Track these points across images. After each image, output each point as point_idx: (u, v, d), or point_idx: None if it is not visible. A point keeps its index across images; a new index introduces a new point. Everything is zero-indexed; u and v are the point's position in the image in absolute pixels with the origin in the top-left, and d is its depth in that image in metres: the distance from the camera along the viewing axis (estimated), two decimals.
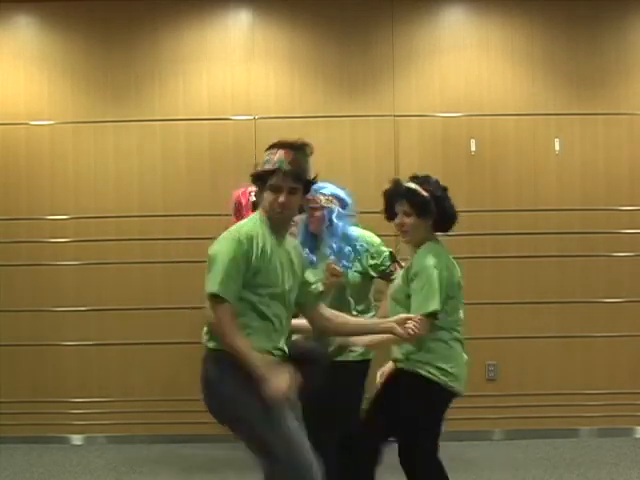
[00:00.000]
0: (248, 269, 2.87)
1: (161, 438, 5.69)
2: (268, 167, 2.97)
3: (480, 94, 5.89)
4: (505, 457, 5.32)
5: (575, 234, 5.81)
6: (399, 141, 5.87)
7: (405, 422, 3.39)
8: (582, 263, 5.81)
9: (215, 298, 2.84)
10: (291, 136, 5.91)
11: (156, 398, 5.75)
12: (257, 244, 2.89)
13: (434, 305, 3.27)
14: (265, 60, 5.92)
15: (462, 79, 5.89)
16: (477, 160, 5.84)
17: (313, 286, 3.18)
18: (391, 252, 3.93)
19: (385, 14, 5.90)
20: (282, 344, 3.00)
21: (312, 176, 3.08)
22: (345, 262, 3.84)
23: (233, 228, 2.99)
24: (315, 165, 5.73)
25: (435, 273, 3.32)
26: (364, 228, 4.06)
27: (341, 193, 4.00)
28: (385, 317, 3.46)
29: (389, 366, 3.63)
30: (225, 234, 2.96)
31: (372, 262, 3.91)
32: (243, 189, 4.93)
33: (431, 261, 3.35)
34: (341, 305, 3.76)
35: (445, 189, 3.50)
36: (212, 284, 2.85)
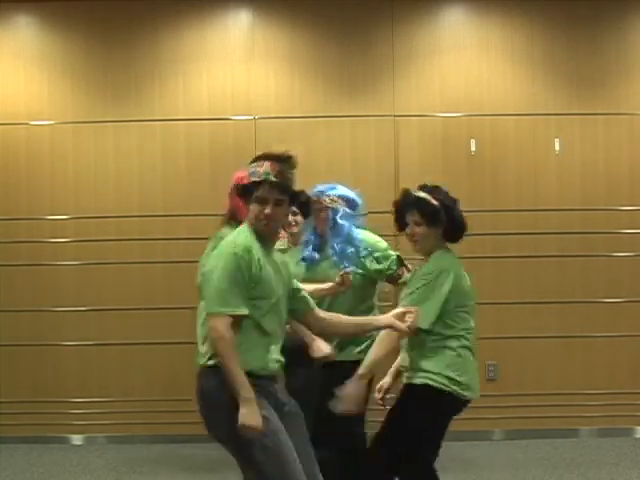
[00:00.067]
0: (250, 281, 2.86)
1: (161, 438, 5.70)
2: (254, 179, 2.97)
3: (480, 94, 5.89)
4: (505, 457, 5.32)
5: (575, 234, 5.81)
6: (399, 141, 5.87)
7: (411, 432, 3.36)
8: (582, 263, 5.81)
9: (216, 316, 2.83)
10: (291, 136, 5.96)
11: (156, 398, 5.75)
12: (254, 255, 2.89)
13: (426, 321, 3.27)
14: (265, 60, 5.92)
15: (462, 79, 5.89)
16: (477, 160, 5.84)
17: (303, 292, 3.19)
18: (398, 256, 3.91)
19: (385, 14, 5.90)
20: (278, 354, 3.00)
21: (297, 188, 3.09)
22: (347, 263, 3.84)
23: (226, 242, 2.97)
24: (315, 165, 5.79)
25: (438, 288, 3.32)
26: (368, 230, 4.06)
27: (350, 195, 4.00)
28: None
29: (387, 381, 3.62)
30: (219, 249, 2.95)
31: (377, 267, 3.90)
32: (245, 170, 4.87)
33: (439, 275, 3.34)
34: (341, 306, 3.76)
35: (455, 199, 3.50)
36: (212, 304, 2.85)
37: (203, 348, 2.97)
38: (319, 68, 5.91)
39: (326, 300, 3.85)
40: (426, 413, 3.34)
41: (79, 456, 5.46)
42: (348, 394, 3.31)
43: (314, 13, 5.92)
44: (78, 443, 5.81)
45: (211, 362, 2.90)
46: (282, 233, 3.82)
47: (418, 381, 3.35)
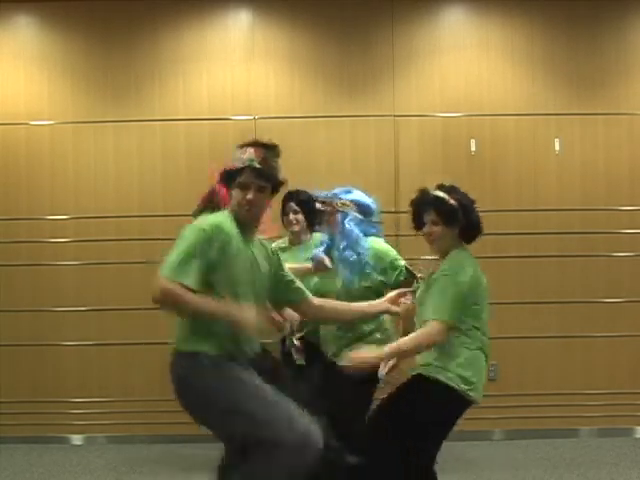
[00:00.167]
0: (210, 256, 2.85)
1: (161, 438, 5.69)
2: (237, 165, 2.99)
3: (480, 94, 5.89)
4: (505, 457, 5.32)
5: (575, 234, 5.81)
6: (399, 141, 5.87)
7: (417, 428, 3.36)
8: (582, 263, 5.81)
9: (166, 279, 2.83)
10: (291, 136, 5.96)
11: (156, 398, 5.75)
12: (221, 236, 2.88)
13: (450, 315, 3.28)
14: (265, 60, 5.92)
15: (462, 79, 5.89)
16: (477, 160, 5.84)
17: (297, 283, 3.19)
18: (406, 267, 3.86)
19: (385, 14, 5.90)
20: (250, 345, 2.97)
21: (281, 177, 3.08)
22: (348, 273, 3.82)
23: (201, 218, 3.02)
24: (315, 165, 5.79)
25: (457, 286, 3.32)
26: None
27: (365, 200, 4.00)
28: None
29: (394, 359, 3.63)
30: (192, 224, 2.98)
31: (382, 278, 3.86)
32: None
33: (458, 274, 3.35)
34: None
35: (472, 200, 3.51)
36: (166, 268, 2.85)
37: (179, 333, 2.97)
38: (319, 68, 5.91)
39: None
40: (434, 408, 3.34)
41: (79, 456, 5.46)
42: (362, 355, 3.30)
43: (314, 13, 5.92)
44: (78, 443, 5.81)
45: (186, 347, 2.90)
46: (263, 224, 3.81)
47: (430, 374, 3.35)
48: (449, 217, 3.42)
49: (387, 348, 3.33)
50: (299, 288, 3.21)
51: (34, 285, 5.85)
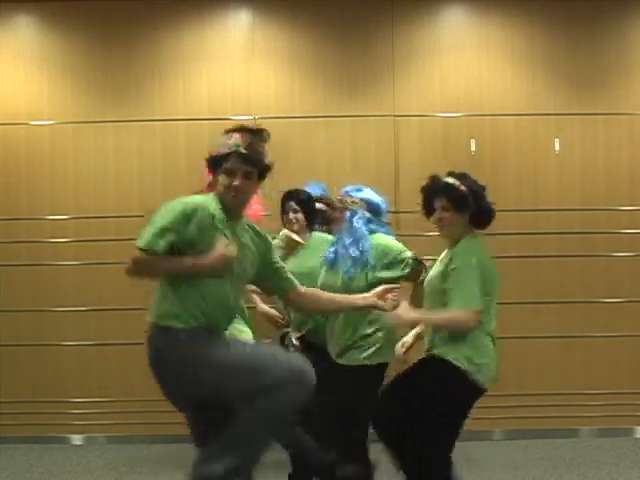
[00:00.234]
0: (184, 232, 2.86)
1: (161, 438, 5.69)
2: (223, 150, 2.96)
3: (480, 94, 5.89)
4: (505, 457, 5.32)
5: (575, 234, 5.81)
6: (399, 141, 5.87)
7: (423, 409, 3.38)
8: (582, 263, 5.80)
9: (137, 251, 2.88)
10: (291, 136, 5.96)
11: (156, 398, 5.66)
12: (200, 215, 2.88)
13: (477, 303, 3.30)
14: (265, 60, 5.92)
15: (462, 79, 5.89)
16: (477, 160, 5.83)
17: (287, 272, 3.19)
18: (415, 257, 3.84)
19: (385, 14, 5.90)
20: (221, 324, 2.97)
21: (268, 162, 3.06)
22: (349, 268, 3.83)
23: (186, 196, 3.01)
24: (315, 165, 5.78)
25: (476, 270, 3.34)
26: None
27: (375, 199, 4.00)
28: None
29: (409, 340, 3.67)
30: (176, 199, 2.98)
31: (388, 274, 3.80)
32: None
33: (473, 258, 3.36)
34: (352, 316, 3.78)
35: (483, 186, 3.52)
36: (140, 239, 2.89)
37: (157, 308, 2.95)
38: (319, 68, 5.91)
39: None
40: (440, 387, 3.36)
41: (79, 456, 5.46)
42: (402, 314, 3.32)
43: (314, 13, 5.92)
44: (78, 443, 5.81)
45: (165, 322, 2.88)
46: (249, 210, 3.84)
47: (437, 354, 3.39)
48: (460, 203, 3.43)
49: (420, 313, 3.39)
50: (288, 277, 3.20)
51: (34, 285, 5.85)
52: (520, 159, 5.85)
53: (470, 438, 5.56)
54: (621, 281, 5.83)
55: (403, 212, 5.57)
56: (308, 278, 4.22)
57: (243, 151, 2.94)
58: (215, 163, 3.00)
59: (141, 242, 2.88)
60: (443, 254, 3.59)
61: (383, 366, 3.86)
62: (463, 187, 3.45)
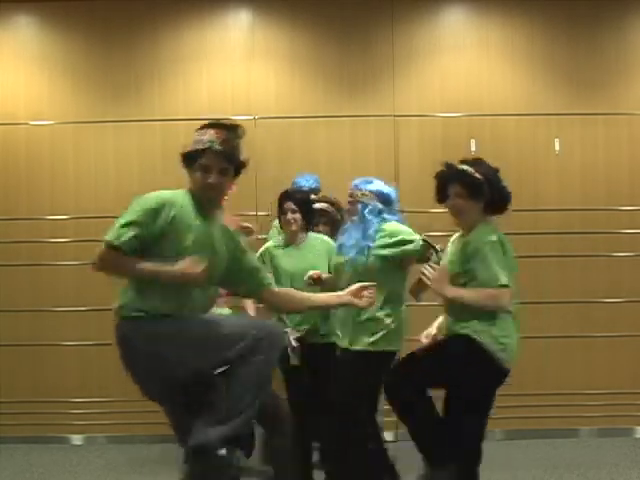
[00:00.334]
0: (151, 227, 2.85)
1: (161, 438, 5.67)
2: (198, 147, 2.95)
3: (480, 94, 5.89)
4: (505, 457, 5.32)
5: (575, 234, 5.81)
6: (399, 141, 5.87)
7: (450, 387, 3.39)
8: (582, 263, 5.80)
9: (107, 246, 2.87)
10: (291, 136, 5.95)
11: None
12: (169, 211, 2.87)
13: (504, 278, 3.31)
14: (265, 60, 5.92)
15: (462, 79, 5.89)
16: None
17: (260, 271, 3.17)
18: (424, 239, 3.85)
19: (385, 14, 5.90)
20: (195, 306, 2.96)
21: (243, 158, 3.05)
22: (354, 254, 3.91)
23: (157, 191, 3.02)
24: (315, 165, 5.78)
25: (497, 247, 3.37)
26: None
27: (385, 190, 4.06)
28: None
29: (432, 331, 3.66)
30: (148, 193, 2.99)
31: (389, 252, 3.90)
32: None
33: (493, 237, 3.38)
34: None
35: (496, 170, 3.51)
36: (108, 233, 2.88)
37: (123, 299, 2.94)
38: (319, 68, 5.91)
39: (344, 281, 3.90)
40: (466, 365, 3.37)
41: (79, 456, 5.46)
42: (439, 280, 3.35)
43: (314, 13, 5.92)
44: (78, 443, 5.81)
45: (135, 313, 2.87)
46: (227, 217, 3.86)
47: (462, 331, 3.38)
48: (474, 190, 3.43)
49: (454, 291, 3.39)
50: (263, 277, 3.17)
51: (34, 285, 5.85)
52: (520, 159, 5.85)
53: None
54: (621, 281, 5.83)
55: (403, 212, 5.56)
56: (302, 278, 4.26)
57: (218, 147, 2.93)
58: (190, 159, 2.98)
59: (109, 236, 2.86)
60: (453, 238, 3.58)
61: (388, 355, 3.88)
62: (478, 174, 3.43)
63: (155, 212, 2.86)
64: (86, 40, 5.91)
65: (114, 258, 2.85)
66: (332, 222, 4.73)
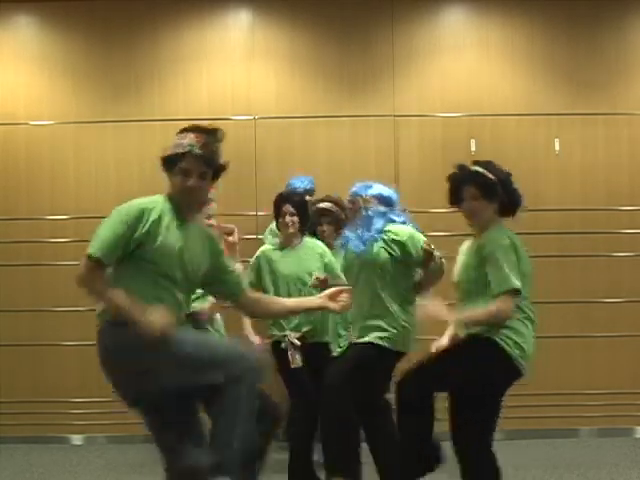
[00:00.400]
0: (131, 236, 2.82)
1: None
2: (177, 150, 2.96)
3: (480, 94, 5.89)
4: (505, 457, 5.30)
5: (575, 234, 5.81)
6: (399, 141, 5.87)
7: (467, 388, 3.37)
8: (582, 263, 5.80)
9: (88, 258, 2.80)
10: (291, 136, 5.94)
11: None
12: (147, 218, 2.86)
13: (515, 283, 3.26)
14: (265, 60, 5.92)
15: (462, 79, 5.89)
16: None
17: (236, 275, 3.15)
18: (423, 246, 3.86)
19: (385, 13, 5.90)
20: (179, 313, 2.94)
21: (222, 162, 3.05)
22: (358, 245, 3.94)
23: (134, 199, 2.99)
24: (315, 165, 5.79)
25: (510, 250, 3.33)
26: None
27: (385, 192, 4.06)
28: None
29: (444, 342, 3.62)
30: (125, 203, 2.95)
31: (387, 253, 3.91)
32: None
33: (505, 240, 3.35)
34: (363, 289, 3.88)
35: (508, 172, 3.51)
36: (91, 245, 2.82)
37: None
38: (319, 68, 5.91)
39: (359, 280, 3.94)
40: (487, 368, 3.35)
41: (79, 456, 5.46)
42: (437, 309, 3.29)
43: (314, 13, 5.92)
44: (78, 443, 5.81)
45: (114, 318, 2.85)
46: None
47: (486, 334, 3.34)
48: (488, 191, 3.42)
49: (460, 313, 3.35)
50: (239, 282, 3.15)
51: (34, 285, 5.85)
52: (520, 159, 5.84)
53: None
54: (621, 281, 5.83)
55: (405, 210, 5.56)
56: (300, 281, 4.30)
57: (198, 151, 2.94)
58: (170, 163, 2.99)
59: (90, 247, 2.82)
60: (466, 245, 3.57)
61: (391, 353, 3.89)
62: (491, 175, 3.43)
63: (135, 221, 2.84)
64: (86, 40, 5.91)
65: (92, 279, 2.81)
66: (336, 221, 4.73)
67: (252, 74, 5.91)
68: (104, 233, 2.83)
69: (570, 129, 5.87)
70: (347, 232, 4.08)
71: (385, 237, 3.91)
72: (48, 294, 5.83)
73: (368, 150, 5.87)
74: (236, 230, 4.32)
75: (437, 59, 5.92)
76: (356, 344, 3.94)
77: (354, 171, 5.78)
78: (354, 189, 4.08)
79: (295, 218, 4.42)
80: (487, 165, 3.48)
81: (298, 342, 4.30)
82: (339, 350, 4.59)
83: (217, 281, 3.07)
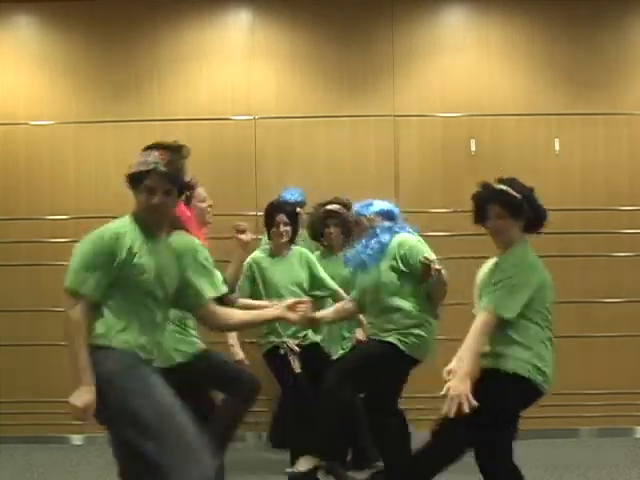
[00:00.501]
0: (111, 265, 2.82)
1: None
2: (142, 168, 2.96)
3: (480, 94, 5.88)
4: None
5: (575, 234, 5.80)
6: (399, 141, 5.87)
7: (489, 415, 3.33)
8: (582, 263, 5.80)
9: (71, 294, 2.79)
10: (292, 136, 5.95)
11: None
12: (124, 242, 2.86)
13: (508, 311, 3.21)
14: (265, 60, 5.92)
15: (462, 79, 5.89)
16: (477, 160, 5.83)
17: (197, 287, 3.14)
18: (422, 260, 3.85)
19: (385, 13, 5.90)
20: (153, 344, 2.93)
21: (187, 179, 3.07)
22: (366, 259, 3.98)
23: (101, 227, 2.98)
24: (315, 165, 5.79)
25: (521, 275, 3.30)
26: None
27: (386, 207, 4.09)
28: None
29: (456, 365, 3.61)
30: (92, 232, 2.94)
31: (388, 265, 3.93)
32: None
33: (523, 263, 3.34)
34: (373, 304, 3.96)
35: (531, 189, 3.51)
36: (68, 279, 2.81)
37: (102, 328, 2.89)
38: (319, 68, 5.91)
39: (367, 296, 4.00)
40: (510, 400, 3.35)
41: (79, 456, 5.46)
42: (456, 393, 3.14)
43: (314, 13, 5.92)
44: (78, 443, 5.81)
45: (98, 341, 2.81)
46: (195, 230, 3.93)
47: (506, 367, 3.31)
48: (515, 209, 3.41)
49: (465, 359, 3.20)
50: (198, 293, 3.15)
51: (34, 285, 5.85)
52: (520, 159, 5.84)
53: None
54: (621, 281, 5.82)
55: (403, 212, 5.56)
56: (288, 290, 4.37)
57: (163, 169, 2.94)
58: (135, 181, 3.01)
59: (70, 282, 2.80)
60: (490, 261, 3.57)
61: (410, 359, 3.91)
62: (516, 193, 3.42)
63: (111, 249, 2.84)
64: (86, 40, 5.91)
65: (71, 331, 2.76)
66: (343, 224, 4.75)
67: (252, 74, 5.90)
68: (81, 265, 2.81)
69: (570, 129, 5.87)
70: (355, 251, 4.09)
71: (391, 248, 3.94)
72: (48, 294, 5.82)
73: (368, 150, 5.86)
74: (248, 228, 4.35)
75: (437, 59, 5.92)
76: (374, 339, 3.98)
77: (354, 171, 5.79)
78: (355, 209, 4.13)
79: (289, 228, 4.47)
80: (511, 182, 3.47)
81: (297, 348, 4.36)
82: (341, 352, 4.62)
83: (180, 294, 3.08)
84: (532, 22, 5.91)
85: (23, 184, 5.88)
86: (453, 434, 3.32)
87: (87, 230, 5.83)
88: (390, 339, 3.90)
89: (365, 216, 4.04)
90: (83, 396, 2.73)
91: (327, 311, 4.22)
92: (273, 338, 4.44)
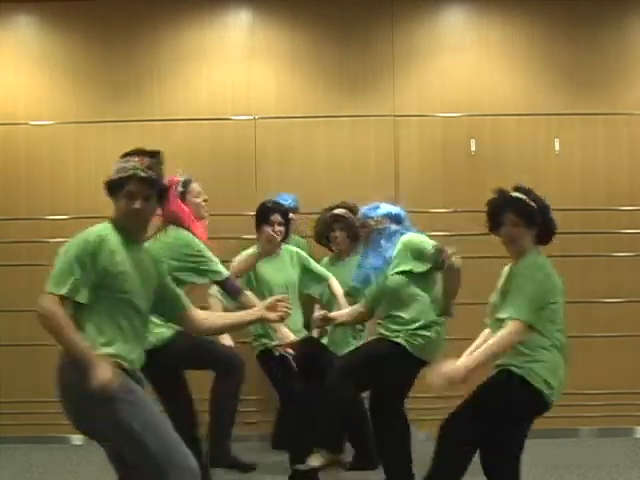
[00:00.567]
0: (95, 268, 2.87)
1: None
2: (122, 174, 2.97)
3: (480, 94, 5.89)
4: None
5: (575, 234, 5.80)
6: (399, 141, 5.87)
7: (495, 420, 3.36)
8: (582, 263, 5.80)
9: (47, 295, 2.84)
10: (292, 136, 5.94)
11: (155, 398, 5.73)
12: (106, 246, 2.90)
13: (526, 315, 3.23)
14: (265, 60, 5.92)
15: (462, 79, 5.89)
16: (477, 160, 5.83)
17: (177, 293, 3.16)
18: (434, 249, 3.86)
19: (385, 13, 5.90)
20: (136, 353, 2.96)
21: (165, 183, 3.10)
22: (371, 271, 4.01)
23: (84, 231, 3.04)
24: (315, 165, 5.79)
25: (539, 285, 3.32)
26: None
27: (393, 210, 4.10)
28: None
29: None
30: (75, 236, 3.00)
31: (410, 267, 3.94)
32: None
33: (539, 273, 3.37)
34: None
35: (546, 202, 3.53)
36: (50, 283, 2.88)
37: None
38: (319, 68, 5.91)
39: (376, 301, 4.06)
40: (515, 397, 3.33)
41: (79, 456, 5.45)
42: (445, 371, 3.19)
43: (314, 13, 5.92)
44: (78, 443, 5.80)
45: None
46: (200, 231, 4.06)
47: (518, 372, 3.31)
48: (530, 218, 3.42)
49: (470, 362, 3.22)
50: (178, 298, 3.16)
51: (34, 285, 5.79)
52: (520, 159, 5.85)
53: None
54: (621, 281, 5.82)
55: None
56: (280, 289, 4.39)
57: (142, 174, 2.95)
58: (115, 188, 3.01)
59: (51, 287, 2.86)
60: (505, 270, 3.57)
61: (418, 360, 3.92)
62: (532, 202, 3.43)
63: (95, 251, 2.90)
64: (86, 40, 5.91)
65: (54, 322, 2.84)
66: (349, 228, 4.76)
67: (252, 74, 5.90)
68: (62, 269, 2.90)
69: (570, 129, 5.87)
70: (359, 269, 4.14)
71: (398, 251, 3.95)
72: None
73: (368, 150, 5.87)
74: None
75: (437, 59, 5.92)
76: (382, 339, 3.99)
77: (354, 171, 5.79)
78: (362, 212, 4.15)
79: (283, 228, 4.49)
80: (527, 192, 3.48)
81: (292, 351, 4.38)
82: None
83: (159, 300, 3.09)
84: (532, 22, 5.91)
85: (23, 184, 5.88)
86: (457, 433, 3.33)
87: None
88: (397, 340, 3.91)
89: (372, 219, 4.05)
90: (105, 371, 2.76)
91: (341, 312, 4.26)
92: (266, 340, 4.47)
